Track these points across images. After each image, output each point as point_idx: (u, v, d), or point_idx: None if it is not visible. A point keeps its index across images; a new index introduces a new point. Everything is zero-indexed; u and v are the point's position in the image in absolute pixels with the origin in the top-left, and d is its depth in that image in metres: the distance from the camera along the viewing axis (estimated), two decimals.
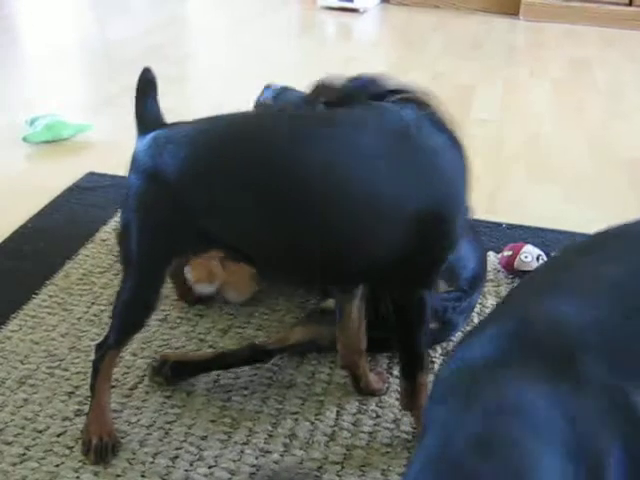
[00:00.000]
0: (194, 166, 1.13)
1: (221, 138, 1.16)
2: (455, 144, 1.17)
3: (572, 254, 0.98)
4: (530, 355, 0.78)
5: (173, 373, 1.35)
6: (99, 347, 1.24)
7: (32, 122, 2.39)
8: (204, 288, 1.55)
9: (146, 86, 1.18)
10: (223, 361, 1.38)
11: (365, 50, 3.72)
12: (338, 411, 1.31)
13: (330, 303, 1.40)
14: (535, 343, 0.79)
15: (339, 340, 1.32)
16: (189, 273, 1.54)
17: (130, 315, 1.23)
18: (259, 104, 1.64)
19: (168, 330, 1.50)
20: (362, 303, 1.30)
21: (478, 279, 1.47)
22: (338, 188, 1.10)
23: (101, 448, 1.20)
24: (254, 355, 1.38)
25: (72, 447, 1.22)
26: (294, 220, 1.11)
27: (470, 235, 1.48)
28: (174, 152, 1.13)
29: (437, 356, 1.45)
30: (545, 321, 0.81)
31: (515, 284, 1.67)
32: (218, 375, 1.38)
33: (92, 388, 1.25)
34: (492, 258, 1.75)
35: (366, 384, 1.35)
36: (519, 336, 0.80)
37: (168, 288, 1.57)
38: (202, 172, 1.13)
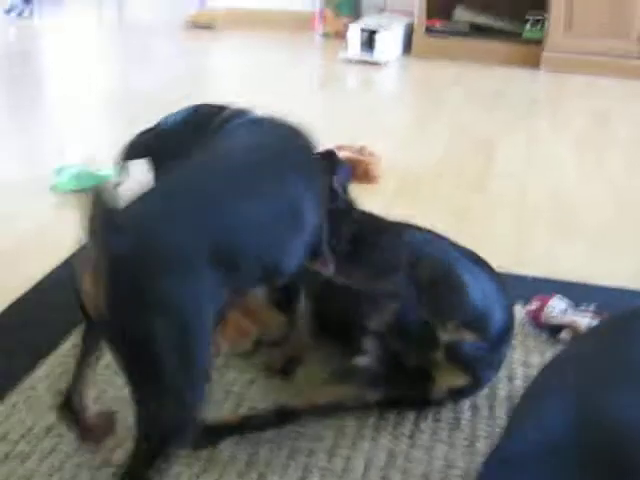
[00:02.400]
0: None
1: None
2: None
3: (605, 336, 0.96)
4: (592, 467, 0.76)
5: (201, 439, 1.33)
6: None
7: (59, 171, 2.43)
8: (243, 346, 1.58)
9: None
10: (251, 424, 1.36)
11: (386, 102, 3.76)
12: (366, 465, 1.30)
13: (356, 361, 1.39)
14: (597, 452, 0.77)
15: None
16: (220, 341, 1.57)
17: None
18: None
19: None
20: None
21: (506, 331, 1.45)
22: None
23: None
24: (282, 417, 1.37)
25: None
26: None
27: (495, 285, 1.48)
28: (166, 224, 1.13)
29: (464, 411, 1.44)
30: (606, 424, 0.79)
31: (542, 338, 1.66)
32: None
33: None
34: (519, 311, 1.74)
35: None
36: (580, 444, 0.79)
37: None
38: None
